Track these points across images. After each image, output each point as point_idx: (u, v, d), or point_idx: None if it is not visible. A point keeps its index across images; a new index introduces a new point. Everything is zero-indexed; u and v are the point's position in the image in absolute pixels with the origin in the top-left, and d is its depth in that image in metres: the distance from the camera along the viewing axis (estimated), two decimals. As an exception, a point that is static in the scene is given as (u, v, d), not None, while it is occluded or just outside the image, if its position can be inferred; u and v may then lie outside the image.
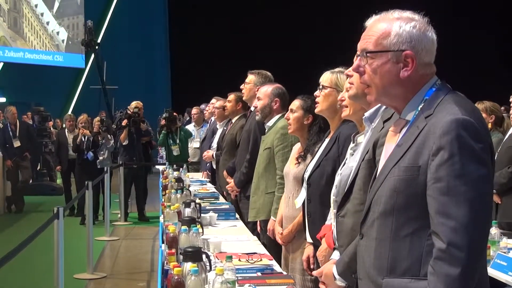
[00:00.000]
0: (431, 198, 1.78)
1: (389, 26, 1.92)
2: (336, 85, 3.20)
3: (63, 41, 21.36)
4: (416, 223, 1.83)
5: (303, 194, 3.43)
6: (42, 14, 20.87)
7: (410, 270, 1.83)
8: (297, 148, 3.93)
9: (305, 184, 3.39)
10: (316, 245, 3.28)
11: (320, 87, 3.26)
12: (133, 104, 10.00)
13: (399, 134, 1.96)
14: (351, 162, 2.59)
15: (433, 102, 1.88)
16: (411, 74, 1.90)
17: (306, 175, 3.37)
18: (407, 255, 1.83)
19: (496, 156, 5.29)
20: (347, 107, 2.71)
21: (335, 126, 3.28)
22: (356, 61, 2.01)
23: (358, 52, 2.00)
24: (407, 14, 1.95)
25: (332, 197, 2.75)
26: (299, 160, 3.78)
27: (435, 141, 1.78)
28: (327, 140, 3.36)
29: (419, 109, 1.90)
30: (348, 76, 2.62)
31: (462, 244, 1.70)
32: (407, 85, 1.92)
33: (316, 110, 3.35)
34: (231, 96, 6.38)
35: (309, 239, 3.34)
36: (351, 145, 2.68)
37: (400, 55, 1.90)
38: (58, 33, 21.26)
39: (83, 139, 9.75)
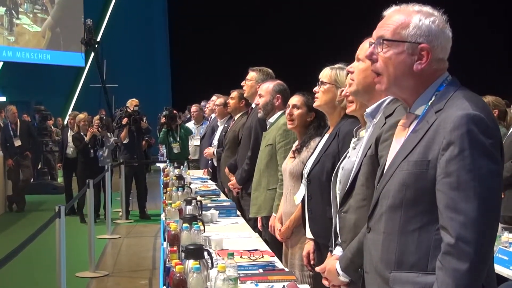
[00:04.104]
0: (440, 193, 1.77)
1: (409, 18, 1.93)
2: (336, 81, 3.21)
3: (63, 40, 21.32)
4: (425, 217, 1.83)
5: (302, 190, 3.43)
6: (41, 13, 20.84)
7: (418, 264, 1.83)
8: (295, 145, 3.93)
9: (304, 181, 3.38)
10: (317, 241, 3.28)
11: (319, 82, 3.27)
12: (132, 102, 10.00)
13: (408, 129, 1.96)
14: (353, 156, 2.58)
15: (443, 97, 1.88)
16: (424, 67, 1.91)
17: (306, 171, 3.37)
18: (415, 249, 1.84)
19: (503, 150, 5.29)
20: (352, 102, 2.70)
21: (335, 122, 3.28)
22: (369, 48, 2.00)
23: (372, 40, 2.00)
24: (427, 8, 1.96)
25: (338, 192, 2.73)
26: (295, 154, 3.79)
27: (445, 136, 1.78)
28: (326, 135, 3.35)
29: (429, 104, 1.90)
30: (349, 72, 2.62)
31: (470, 239, 1.70)
32: (419, 78, 1.92)
33: (314, 105, 3.36)
34: (234, 93, 6.36)
35: (309, 235, 3.34)
36: (353, 139, 2.67)
37: (416, 48, 1.90)
38: (57, 32, 21.23)
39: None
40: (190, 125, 10.28)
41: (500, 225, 4.10)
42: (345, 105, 2.83)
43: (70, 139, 10.27)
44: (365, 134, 2.53)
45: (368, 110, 2.49)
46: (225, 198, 5.53)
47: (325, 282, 2.58)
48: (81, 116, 10.15)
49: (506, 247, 3.74)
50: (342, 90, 3.04)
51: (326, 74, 3.25)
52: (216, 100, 7.49)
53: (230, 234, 3.90)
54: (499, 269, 3.55)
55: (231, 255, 2.62)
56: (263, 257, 3.23)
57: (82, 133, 9.88)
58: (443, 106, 1.85)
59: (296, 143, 3.91)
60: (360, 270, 2.14)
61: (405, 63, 1.92)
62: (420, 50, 1.90)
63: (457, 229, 1.72)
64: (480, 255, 1.71)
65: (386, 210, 1.91)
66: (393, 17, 1.96)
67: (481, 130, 1.75)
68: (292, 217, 3.74)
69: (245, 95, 5.63)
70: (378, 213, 1.96)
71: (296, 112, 3.83)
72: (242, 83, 5.53)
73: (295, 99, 3.88)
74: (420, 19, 1.92)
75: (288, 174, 3.81)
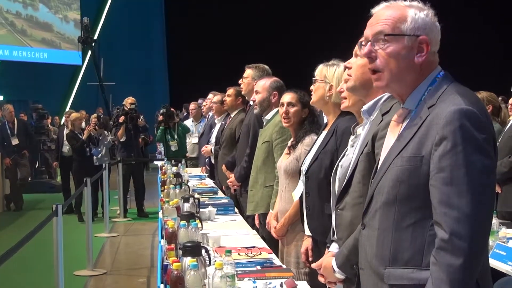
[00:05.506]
0: (434, 188, 1.77)
1: (404, 12, 1.93)
2: (325, 77, 3.22)
3: (59, 38, 21.28)
4: (419, 213, 1.83)
5: (300, 187, 3.43)
6: (38, 12, 20.80)
7: (412, 260, 1.83)
8: (291, 141, 3.94)
9: (302, 178, 3.38)
10: (315, 238, 3.28)
11: (313, 80, 3.29)
12: (128, 100, 10.00)
13: (402, 125, 1.96)
14: (351, 154, 2.58)
15: (436, 93, 1.88)
16: (424, 60, 1.91)
17: (304, 168, 3.37)
18: (409, 245, 1.84)
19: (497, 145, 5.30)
20: (346, 98, 2.70)
21: (332, 118, 3.28)
22: (366, 47, 1.99)
23: (363, 39, 1.99)
24: (416, 3, 1.96)
25: (337, 190, 2.73)
26: (290, 151, 3.79)
27: (438, 131, 1.77)
28: (324, 133, 3.35)
29: (422, 99, 1.90)
30: (346, 68, 2.61)
31: (464, 234, 1.70)
32: (418, 71, 1.92)
33: (311, 102, 3.40)
34: (231, 91, 6.36)
35: (307, 232, 3.34)
36: (352, 137, 2.67)
37: (415, 40, 1.91)
38: (54, 30, 21.19)
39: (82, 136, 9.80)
40: (188, 122, 10.29)
41: (497, 221, 4.10)
42: (336, 101, 2.84)
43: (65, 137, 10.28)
44: (362, 131, 2.53)
45: (365, 107, 2.49)
46: (222, 195, 5.53)
47: (321, 279, 2.58)
48: (75, 114, 10.13)
49: (503, 242, 3.75)
50: (331, 86, 3.07)
51: (318, 71, 3.29)
52: (213, 97, 7.49)
53: (228, 232, 3.90)
54: (497, 264, 3.55)
55: (229, 252, 2.62)
56: (260, 254, 3.23)
57: (76, 132, 9.88)
58: (436, 101, 1.85)
59: (292, 139, 3.91)
60: (356, 266, 2.14)
61: (407, 57, 1.91)
62: (420, 42, 1.90)
63: (451, 224, 1.72)
64: (474, 250, 1.71)
65: (381, 206, 1.91)
66: (386, 13, 1.95)
67: (473, 125, 1.75)
68: (287, 214, 3.74)
69: (242, 92, 5.63)
70: (372, 209, 1.96)
71: (292, 109, 3.83)
72: (239, 81, 5.53)
73: (289, 97, 3.88)
74: (416, 12, 1.92)
75: (283, 172, 3.81)
